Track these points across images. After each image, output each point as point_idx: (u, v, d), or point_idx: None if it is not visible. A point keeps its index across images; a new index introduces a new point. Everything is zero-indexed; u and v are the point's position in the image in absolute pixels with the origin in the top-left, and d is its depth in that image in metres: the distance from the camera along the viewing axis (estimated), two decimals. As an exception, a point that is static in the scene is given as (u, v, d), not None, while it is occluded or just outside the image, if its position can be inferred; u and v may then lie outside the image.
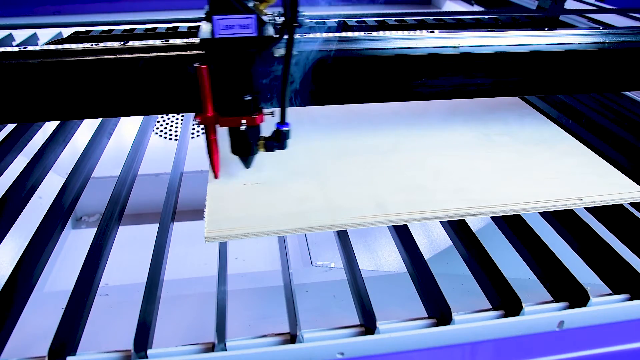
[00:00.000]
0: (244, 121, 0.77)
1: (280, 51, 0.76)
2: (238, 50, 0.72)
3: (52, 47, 0.79)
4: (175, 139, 1.85)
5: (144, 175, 1.28)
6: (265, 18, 0.72)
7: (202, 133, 1.85)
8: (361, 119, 1.09)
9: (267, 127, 0.82)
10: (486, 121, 1.08)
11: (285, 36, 0.71)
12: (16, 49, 0.78)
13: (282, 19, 0.70)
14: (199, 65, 0.72)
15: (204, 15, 0.74)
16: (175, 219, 0.97)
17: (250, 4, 0.70)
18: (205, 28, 0.73)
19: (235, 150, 0.82)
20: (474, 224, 1.17)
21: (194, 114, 0.80)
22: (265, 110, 0.80)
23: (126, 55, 0.78)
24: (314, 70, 0.83)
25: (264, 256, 1.45)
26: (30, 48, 0.78)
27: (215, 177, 0.85)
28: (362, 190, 0.82)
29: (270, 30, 0.73)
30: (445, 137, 1.01)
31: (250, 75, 0.75)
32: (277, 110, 0.80)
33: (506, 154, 0.94)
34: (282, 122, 0.80)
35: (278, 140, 0.81)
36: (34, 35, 1.48)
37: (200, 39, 0.72)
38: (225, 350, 0.63)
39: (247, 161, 0.84)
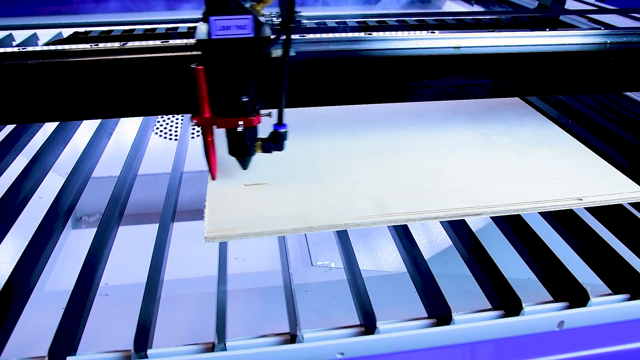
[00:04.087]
0: (240, 122, 0.77)
1: (277, 52, 0.76)
2: (235, 51, 0.72)
3: (51, 47, 0.79)
4: (175, 139, 1.84)
5: (144, 175, 1.28)
6: (262, 19, 0.71)
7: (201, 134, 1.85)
8: (361, 119, 1.09)
9: (264, 128, 0.81)
10: (486, 121, 1.08)
11: (283, 37, 0.70)
12: (15, 49, 0.78)
13: (279, 19, 0.70)
14: (195, 66, 0.72)
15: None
16: (175, 219, 0.97)
17: (247, 5, 0.69)
18: (202, 29, 0.73)
19: (232, 151, 0.82)
20: (474, 224, 1.17)
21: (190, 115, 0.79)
22: (262, 112, 0.79)
23: (125, 56, 0.78)
24: (314, 71, 0.83)
25: (264, 256, 1.45)
26: (29, 49, 0.78)
27: (213, 178, 0.84)
28: (362, 190, 0.82)
29: (267, 31, 0.72)
30: (446, 137, 1.01)
31: (247, 76, 0.75)
32: (275, 111, 0.79)
33: (506, 154, 0.94)
34: (280, 123, 0.79)
35: (275, 142, 0.80)
36: (34, 36, 1.48)
37: (197, 40, 0.71)
38: (225, 350, 0.63)
39: (244, 162, 0.84)
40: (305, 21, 0.69)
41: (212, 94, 0.75)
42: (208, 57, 0.73)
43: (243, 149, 0.81)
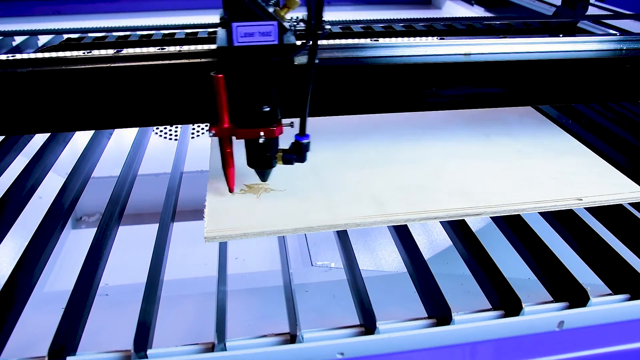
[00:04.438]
0: (262, 133, 0.72)
1: (301, 59, 0.72)
2: (258, 59, 0.68)
3: (41, 55, 0.76)
4: (175, 139, 1.85)
5: (144, 175, 1.28)
6: (286, 24, 0.67)
7: (202, 133, 1.85)
8: (361, 119, 1.09)
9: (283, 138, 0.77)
10: (486, 121, 1.08)
11: (309, 43, 0.66)
12: (4, 57, 0.75)
13: (302, 25, 0.66)
14: (215, 74, 0.68)
15: (218, 21, 0.70)
16: (175, 219, 0.97)
17: (271, 10, 0.65)
18: (221, 35, 0.69)
19: (251, 163, 0.78)
20: (474, 224, 1.17)
21: (207, 124, 0.75)
22: (284, 121, 0.75)
23: (120, 64, 0.75)
24: (317, 80, 0.79)
25: (264, 256, 1.45)
26: (18, 56, 0.75)
27: (230, 191, 0.81)
28: (362, 190, 0.82)
29: (291, 38, 0.69)
30: (446, 138, 1.01)
31: (270, 85, 0.71)
32: (297, 121, 0.75)
33: (506, 154, 0.94)
34: (302, 133, 0.75)
35: (297, 153, 0.77)
36: (33, 37, 1.47)
37: (218, 47, 0.68)
38: (225, 350, 0.63)
39: (263, 174, 0.80)
40: (327, 27, 0.65)
41: (231, 103, 0.71)
42: (228, 65, 0.68)
43: (264, 160, 0.77)
